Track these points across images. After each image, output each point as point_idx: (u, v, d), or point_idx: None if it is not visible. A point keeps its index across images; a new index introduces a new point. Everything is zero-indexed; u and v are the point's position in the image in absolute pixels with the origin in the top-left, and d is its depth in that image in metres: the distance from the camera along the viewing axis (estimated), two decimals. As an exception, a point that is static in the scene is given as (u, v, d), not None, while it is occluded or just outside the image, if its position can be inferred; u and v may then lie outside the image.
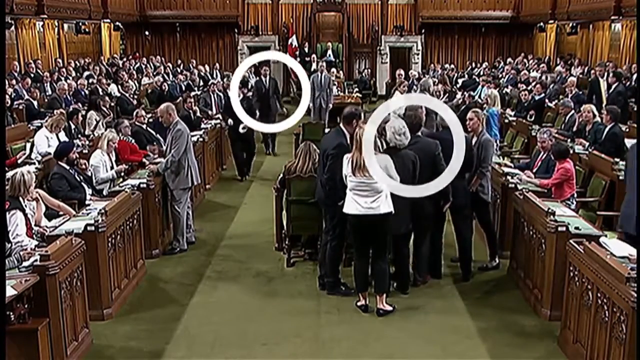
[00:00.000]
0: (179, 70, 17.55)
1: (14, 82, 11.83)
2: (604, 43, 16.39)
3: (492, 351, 4.82)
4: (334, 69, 16.05)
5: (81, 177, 6.82)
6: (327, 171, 5.55)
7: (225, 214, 8.45)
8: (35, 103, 11.22)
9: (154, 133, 8.93)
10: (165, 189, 7.00)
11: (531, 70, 16.16)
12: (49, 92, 12.52)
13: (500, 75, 16.17)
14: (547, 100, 11.96)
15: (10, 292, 3.95)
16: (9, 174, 5.31)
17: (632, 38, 14.72)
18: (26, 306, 4.20)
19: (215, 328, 5.18)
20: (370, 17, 21.22)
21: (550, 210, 5.24)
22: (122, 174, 7.42)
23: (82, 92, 12.57)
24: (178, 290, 5.96)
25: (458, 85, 15.54)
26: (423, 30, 21.19)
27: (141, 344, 4.93)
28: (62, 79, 13.15)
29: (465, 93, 12.66)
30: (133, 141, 8.38)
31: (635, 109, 11.06)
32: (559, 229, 5.07)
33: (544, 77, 13.73)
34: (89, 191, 6.74)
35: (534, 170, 7.01)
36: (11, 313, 4.08)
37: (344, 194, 5.32)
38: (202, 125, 10.20)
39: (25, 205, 5.27)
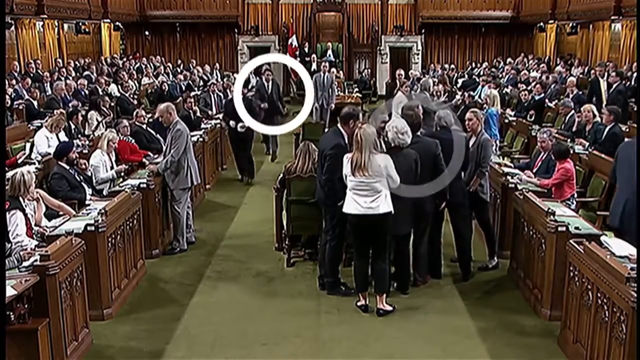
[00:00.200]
0: (179, 70, 17.55)
1: (14, 82, 11.84)
2: (604, 43, 16.39)
3: (492, 351, 4.82)
4: (334, 69, 16.04)
5: (81, 177, 6.82)
6: (325, 172, 5.55)
7: (225, 214, 8.45)
8: (35, 103, 11.22)
9: (154, 133, 8.93)
10: (165, 189, 7.00)
11: (531, 70, 16.16)
12: (49, 92, 12.52)
13: (500, 75, 16.18)
14: (547, 100, 11.97)
15: (10, 292, 3.95)
16: (9, 174, 5.32)
17: (632, 38, 14.72)
18: (26, 306, 4.20)
19: (215, 328, 5.18)
20: (370, 17, 21.22)
21: (550, 210, 5.24)
22: (122, 174, 7.43)
23: (82, 92, 12.57)
24: (178, 290, 5.96)
25: (458, 85, 15.55)
26: (423, 30, 21.19)
27: (141, 344, 4.93)
28: (62, 78, 13.15)
29: (465, 93, 12.65)
30: (133, 141, 8.39)
31: (635, 109, 11.06)
32: (559, 229, 5.07)
33: (544, 77, 13.74)
34: (89, 191, 6.74)
35: (534, 171, 7.01)
36: (11, 313, 4.08)
37: (344, 194, 5.32)
38: (202, 125, 10.21)
39: (26, 205, 5.28)
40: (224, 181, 10.33)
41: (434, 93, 11.23)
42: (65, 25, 17.13)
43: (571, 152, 7.36)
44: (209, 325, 5.23)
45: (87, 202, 6.35)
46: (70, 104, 11.03)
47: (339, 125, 5.69)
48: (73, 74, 14.49)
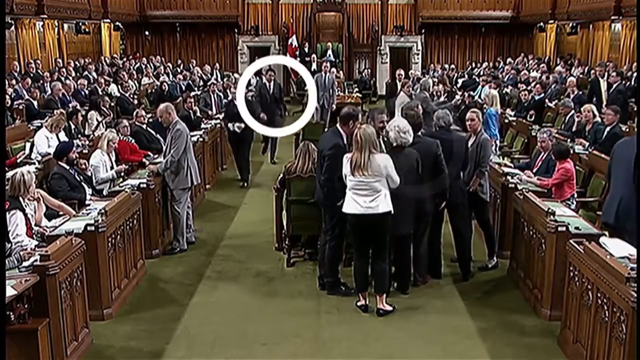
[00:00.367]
0: (179, 70, 17.55)
1: (14, 82, 11.84)
2: (604, 43, 16.39)
3: (492, 351, 4.82)
4: (334, 69, 16.04)
5: (81, 177, 6.82)
6: (324, 172, 5.55)
7: (225, 214, 8.45)
8: (35, 103, 11.22)
9: (154, 133, 8.93)
10: (165, 189, 7.00)
11: (531, 70, 16.17)
12: (49, 92, 12.52)
13: (500, 75, 16.18)
14: (547, 100, 11.97)
15: (10, 292, 3.95)
16: (9, 174, 5.31)
17: (632, 38, 14.72)
18: (26, 306, 4.20)
19: (215, 328, 5.18)
20: (370, 17, 21.22)
21: (550, 210, 5.24)
22: (122, 174, 7.43)
23: (82, 92, 12.57)
24: (178, 290, 5.96)
25: (458, 85, 15.55)
26: (423, 30, 21.19)
27: (141, 344, 4.93)
28: (62, 79, 13.15)
29: (465, 93, 12.66)
30: (133, 141, 8.39)
31: (635, 109, 11.07)
32: (559, 229, 5.07)
33: (544, 77, 13.74)
34: (89, 191, 6.74)
35: (534, 171, 7.01)
36: (11, 313, 4.08)
37: (343, 194, 5.32)
38: (202, 125, 10.20)
39: (26, 205, 5.28)
40: (224, 181, 10.33)
41: (433, 93, 11.24)
42: (65, 25, 17.13)
43: (571, 152, 7.36)
44: (209, 325, 5.23)
45: (87, 202, 6.35)
46: (70, 105, 11.03)
47: (338, 125, 5.70)
48: (73, 74, 14.50)
